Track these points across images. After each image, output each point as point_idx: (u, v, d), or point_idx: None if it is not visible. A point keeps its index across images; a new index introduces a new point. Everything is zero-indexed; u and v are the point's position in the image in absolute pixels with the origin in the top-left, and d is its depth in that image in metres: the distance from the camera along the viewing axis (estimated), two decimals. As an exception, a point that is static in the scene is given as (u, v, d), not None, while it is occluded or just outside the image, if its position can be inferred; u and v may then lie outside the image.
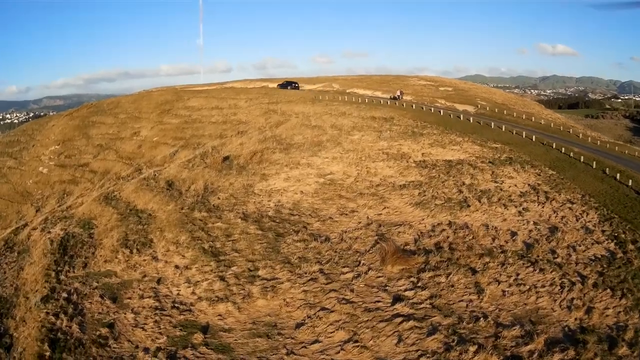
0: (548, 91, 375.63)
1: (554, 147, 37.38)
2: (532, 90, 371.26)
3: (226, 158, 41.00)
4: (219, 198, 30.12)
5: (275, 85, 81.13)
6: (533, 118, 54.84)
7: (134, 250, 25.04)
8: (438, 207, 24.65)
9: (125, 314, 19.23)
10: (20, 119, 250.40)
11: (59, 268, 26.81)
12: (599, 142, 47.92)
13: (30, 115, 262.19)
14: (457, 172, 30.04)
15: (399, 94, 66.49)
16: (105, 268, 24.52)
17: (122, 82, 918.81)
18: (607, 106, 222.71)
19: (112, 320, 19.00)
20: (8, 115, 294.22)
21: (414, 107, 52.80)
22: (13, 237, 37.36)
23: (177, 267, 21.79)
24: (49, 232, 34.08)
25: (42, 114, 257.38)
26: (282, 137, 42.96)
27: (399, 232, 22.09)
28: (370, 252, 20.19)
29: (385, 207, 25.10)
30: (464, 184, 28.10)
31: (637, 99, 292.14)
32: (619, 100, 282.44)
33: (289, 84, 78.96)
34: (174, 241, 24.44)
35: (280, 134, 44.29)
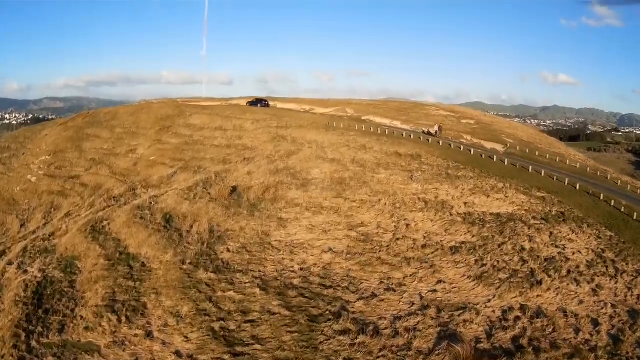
0: (548, 121, 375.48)
1: (601, 198, 34.19)
2: (533, 120, 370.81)
3: (234, 190, 36.25)
4: (228, 249, 25.18)
5: (279, 106, 77.09)
6: (567, 161, 50.89)
7: (123, 318, 20.02)
8: (504, 283, 20.07)
9: None
10: (20, 121, 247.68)
11: (30, 327, 21.87)
12: (639, 191, 44.36)
13: (29, 117, 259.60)
14: (511, 231, 25.57)
15: (437, 129, 55.63)
16: (86, 338, 19.53)
17: (123, 87, 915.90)
18: (609, 139, 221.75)
19: None
20: (7, 116, 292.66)
21: (440, 143, 48.38)
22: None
23: (178, 354, 16.81)
24: (26, 272, 29.15)
25: (41, 116, 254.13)
26: (296, 170, 38.31)
27: (465, 320, 17.38)
28: (437, 352, 15.42)
29: (439, 281, 20.35)
30: (523, 249, 23.70)
31: (638, 132, 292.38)
32: (620, 133, 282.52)
33: (258, 102, 75.24)
34: (174, 312, 19.45)
35: (294, 166, 39.65)
